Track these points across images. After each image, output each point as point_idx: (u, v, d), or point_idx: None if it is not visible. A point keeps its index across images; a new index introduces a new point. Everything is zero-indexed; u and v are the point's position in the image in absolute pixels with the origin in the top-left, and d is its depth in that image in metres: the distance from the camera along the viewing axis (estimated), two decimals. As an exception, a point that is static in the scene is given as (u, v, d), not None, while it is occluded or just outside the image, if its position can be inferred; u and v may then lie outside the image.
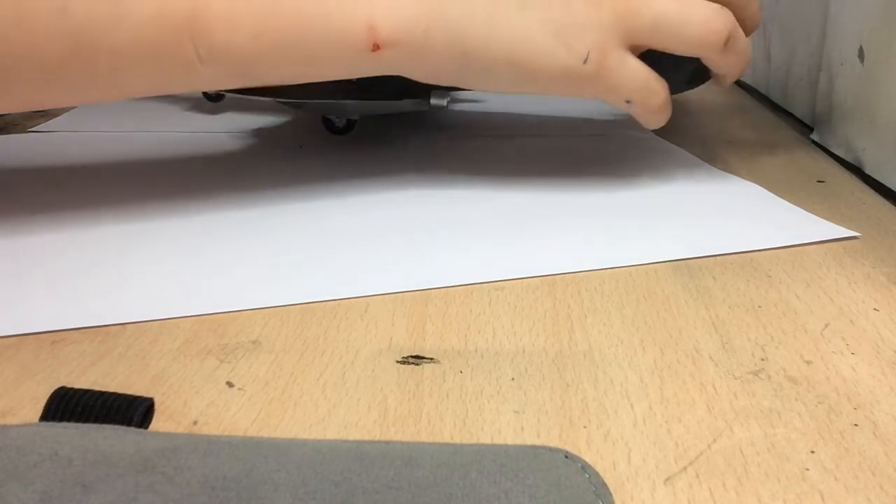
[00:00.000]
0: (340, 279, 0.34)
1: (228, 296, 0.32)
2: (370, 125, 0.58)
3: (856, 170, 0.47)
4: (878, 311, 0.31)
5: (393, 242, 0.37)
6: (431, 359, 0.28)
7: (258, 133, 0.57)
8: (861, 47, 0.46)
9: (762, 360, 0.27)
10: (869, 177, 0.45)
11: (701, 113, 0.64)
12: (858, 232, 0.35)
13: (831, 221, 0.40)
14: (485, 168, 0.49)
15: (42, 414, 0.21)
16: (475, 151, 0.53)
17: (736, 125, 0.60)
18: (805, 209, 0.41)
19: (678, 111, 0.64)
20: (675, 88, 0.46)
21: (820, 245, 0.37)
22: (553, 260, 0.35)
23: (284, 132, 0.57)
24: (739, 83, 0.76)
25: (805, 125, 0.58)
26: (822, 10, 0.54)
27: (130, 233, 0.38)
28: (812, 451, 0.23)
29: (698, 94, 0.73)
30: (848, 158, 0.48)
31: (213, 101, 0.62)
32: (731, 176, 0.46)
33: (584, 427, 0.24)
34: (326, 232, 0.38)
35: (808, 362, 0.27)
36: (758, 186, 0.44)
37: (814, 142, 0.54)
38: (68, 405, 0.20)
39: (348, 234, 0.38)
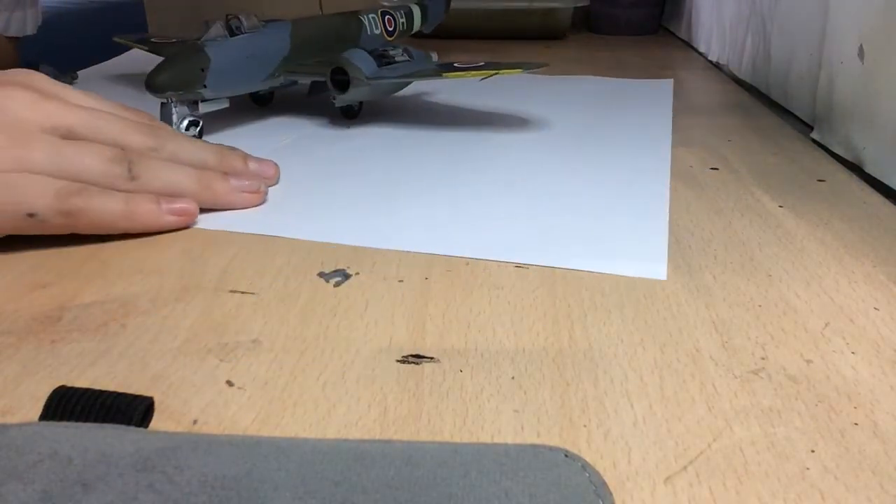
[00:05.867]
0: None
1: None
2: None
3: (856, 168, 0.47)
4: (878, 310, 0.31)
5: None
6: (431, 358, 0.28)
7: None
8: (861, 46, 0.46)
9: (762, 359, 0.27)
10: (869, 175, 0.45)
11: (701, 112, 0.64)
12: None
13: (831, 220, 0.40)
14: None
15: (42, 413, 0.21)
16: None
17: (736, 124, 0.60)
18: (805, 208, 0.41)
19: (679, 110, 0.64)
20: (441, 17, 0.79)
21: (820, 244, 0.37)
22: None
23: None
24: (740, 82, 0.76)
25: (805, 124, 0.58)
26: (822, 9, 0.53)
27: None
28: (812, 451, 0.23)
29: (699, 93, 0.73)
30: (848, 157, 0.48)
31: (263, 103, 0.63)
32: (565, 77, 0.68)
33: (585, 426, 0.24)
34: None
35: (809, 361, 0.27)
36: (590, 76, 0.63)
37: (814, 140, 0.54)
38: (68, 404, 0.20)
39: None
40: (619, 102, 0.67)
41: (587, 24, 1.15)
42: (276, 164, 0.45)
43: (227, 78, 0.52)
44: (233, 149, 0.45)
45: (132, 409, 0.21)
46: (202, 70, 0.50)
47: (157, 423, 0.23)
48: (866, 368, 0.27)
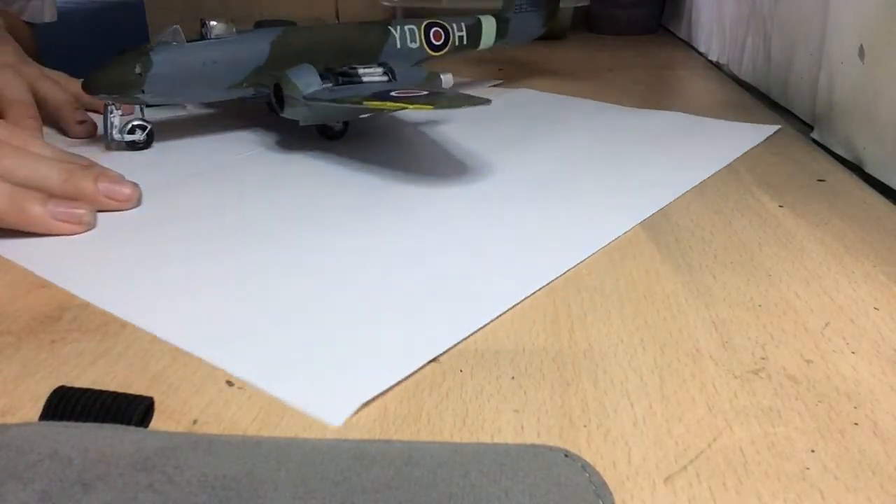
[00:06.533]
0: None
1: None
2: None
3: (856, 168, 0.47)
4: (878, 309, 0.31)
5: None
6: (431, 358, 0.27)
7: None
8: (861, 46, 0.46)
9: (762, 359, 0.27)
10: (869, 175, 0.45)
11: (701, 111, 0.64)
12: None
13: (831, 220, 0.40)
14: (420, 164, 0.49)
15: (42, 413, 0.21)
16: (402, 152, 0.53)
17: (736, 124, 0.60)
18: (805, 208, 0.41)
19: (678, 109, 0.64)
20: (539, 28, 0.71)
21: (820, 244, 0.37)
22: (549, 265, 0.35)
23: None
24: (740, 82, 0.76)
25: (805, 124, 0.58)
26: (822, 9, 0.53)
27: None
28: (812, 450, 0.23)
29: (699, 93, 0.73)
30: (848, 157, 0.48)
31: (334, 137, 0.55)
32: (646, 111, 0.58)
33: (585, 426, 0.24)
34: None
35: (809, 361, 0.27)
36: (676, 113, 0.52)
37: (814, 140, 0.54)
38: (68, 404, 0.20)
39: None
40: (667, 146, 0.54)
41: (587, 24, 1.15)
42: (134, 186, 0.42)
43: (173, 83, 0.50)
44: (88, 166, 0.42)
45: (132, 409, 0.21)
46: (139, 74, 0.48)
47: (156, 422, 0.23)
48: (866, 368, 0.27)
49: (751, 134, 0.55)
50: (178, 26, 0.50)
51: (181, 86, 0.50)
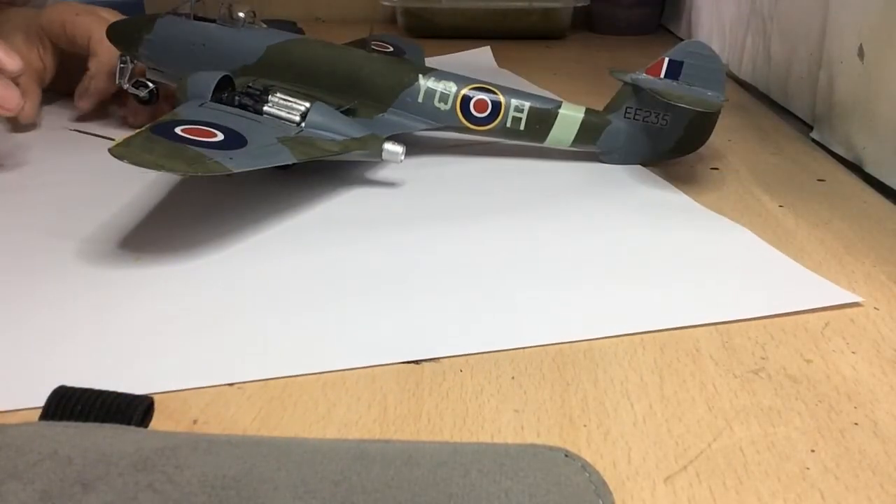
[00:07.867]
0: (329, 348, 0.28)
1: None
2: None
3: (856, 168, 0.47)
4: (878, 309, 0.31)
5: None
6: (431, 358, 0.28)
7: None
8: (861, 46, 0.46)
9: (762, 358, 0.27)
10: (869, 175, 0.45)
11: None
12: (860, 297, 0.31)
13: (832, 220, 0.40)
14: (448, 213, 0.41)
15: (42, 413, 0.21)
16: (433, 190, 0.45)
17: (736, 123, 0.60)
18: (805, 208, 0.41)
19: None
20: (657, 153, 0.48)
21: (820, 244, 0.37)
22: (556, 328, 0.29)
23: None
24: (740, 82, 0.76)
25: (805, 123, 0.58)
26: (822, 8, 0.53)
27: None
28: (812, 450, 0.23)
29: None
30: (848, 157, 0.48)
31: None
32: (723, 222, 0.39)
33: (585, 426, 0.24)
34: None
35: (809, 361, 0.27)
36: (751, 235, 0.37)
37: (814, 140, 0.54)
38: (68, 404, 0.20)
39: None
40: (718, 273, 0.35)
41: (587, 24, 1.15)
42: (16, 96, 0.46)
43: (162, 54, 0.51)
44: None
45: (132, 409, 0.21)
46: (141, 36, 0.50)
47: (156, 422, 0.23)
48: (866, 368, 0.27)
49: (822, 294, 0.32)
50: (193, 1, 0.51)
51: (168, 58, 0.51)
